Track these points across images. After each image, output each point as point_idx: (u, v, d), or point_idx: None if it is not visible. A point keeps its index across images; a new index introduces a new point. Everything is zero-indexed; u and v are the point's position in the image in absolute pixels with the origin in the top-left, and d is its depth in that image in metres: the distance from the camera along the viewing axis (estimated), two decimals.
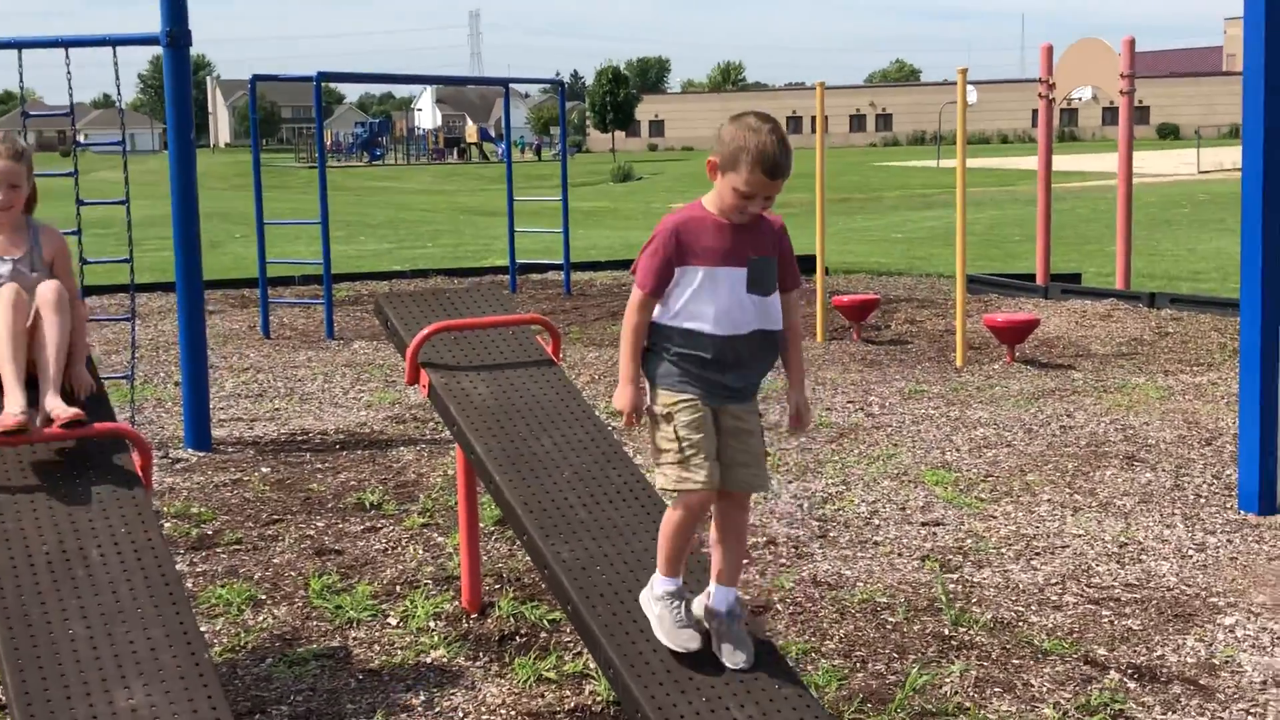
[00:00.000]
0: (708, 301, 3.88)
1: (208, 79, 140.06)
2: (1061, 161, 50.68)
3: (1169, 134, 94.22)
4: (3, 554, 3.98)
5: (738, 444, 3.95)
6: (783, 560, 5.94)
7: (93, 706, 3.51)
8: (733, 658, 3.89)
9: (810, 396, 9.28)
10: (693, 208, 4.01)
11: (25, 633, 3.72)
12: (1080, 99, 16.16)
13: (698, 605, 4.01)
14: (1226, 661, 4.78)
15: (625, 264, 18.05)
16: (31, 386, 4.51)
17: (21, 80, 8.08)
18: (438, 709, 4.51)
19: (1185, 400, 9.00)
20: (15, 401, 4.39)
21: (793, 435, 4.08)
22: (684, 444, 3.89)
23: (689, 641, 3.90)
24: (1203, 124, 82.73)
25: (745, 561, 5.31)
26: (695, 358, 3.90)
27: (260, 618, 5.36)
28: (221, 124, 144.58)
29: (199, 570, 5.90)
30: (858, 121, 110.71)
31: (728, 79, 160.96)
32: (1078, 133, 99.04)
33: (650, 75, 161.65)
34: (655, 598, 4.00)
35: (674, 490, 3.93)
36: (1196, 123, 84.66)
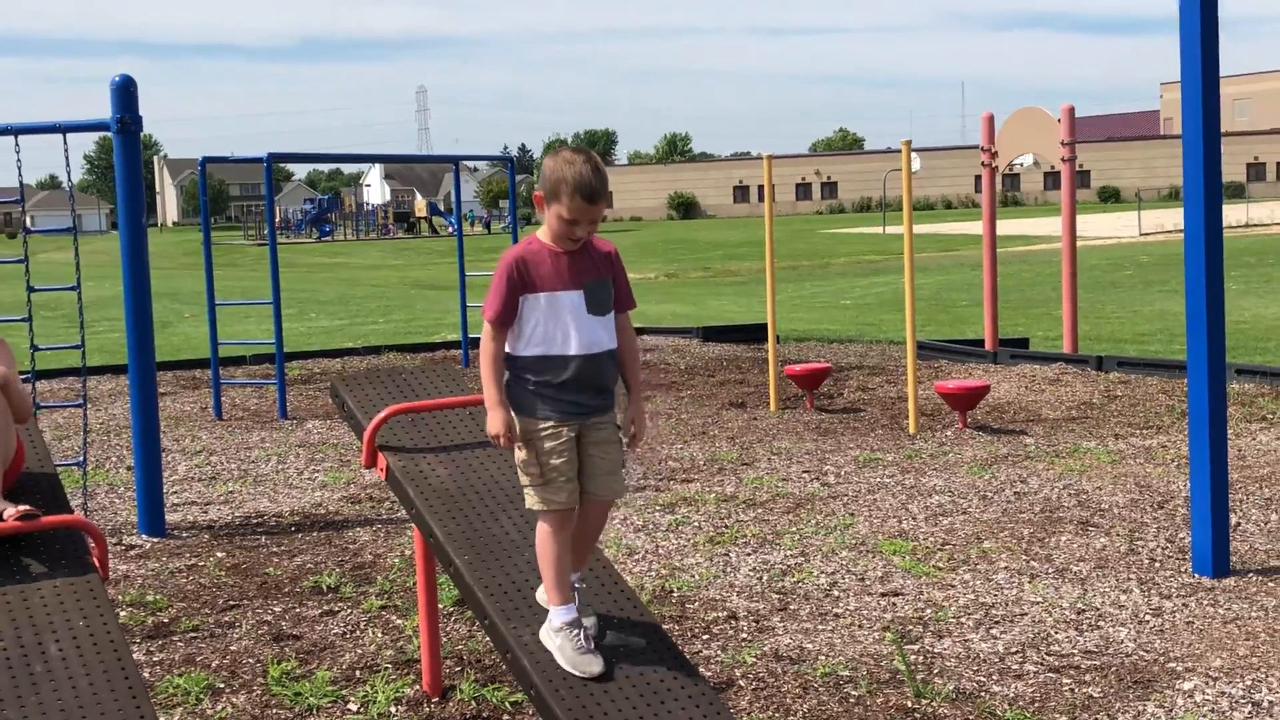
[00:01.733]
0: (554, 325, 4.20)
1: (154, 158, 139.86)
2: (1005, 226, 51.22)
3: (1110, 197, 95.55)
4: None
5: (599, 454, 4.29)
6: (744, 635, 5.91)
7: None
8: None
9: (766, 466, 9.34)
10: (529, 241, 4.33)
11: None
12: (1022, 165, 16.34)
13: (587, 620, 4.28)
14: None
15: None
16: None
17: None
18: None
19: (1136, 464, 9.03)
20: None
21: (630, 448, 4.27)
22: (545, 468, 4.23)
23: (591, 665, 4.15)
24: (1143, 186, 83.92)
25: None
26: (551, 383, 4.21)
27: (219, 706, 5.27)
28: (169, 203, 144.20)
29: (155, 659, 5.81)
30: (803, 189, 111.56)
31: (674, 150, 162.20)
32: (1020, 197, 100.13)
33: (598, 147, 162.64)
34: (554, 630, 4.21)
35: (539, 509, 4.23)
36: (1137, 185, 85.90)
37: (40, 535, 4.44)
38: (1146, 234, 49.32)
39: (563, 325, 4.22)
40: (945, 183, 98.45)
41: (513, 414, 4.25)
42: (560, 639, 4.17)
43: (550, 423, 4.21)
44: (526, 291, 4.22)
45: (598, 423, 4.28)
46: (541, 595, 4.35)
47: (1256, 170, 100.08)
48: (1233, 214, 60.84)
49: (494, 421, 4.22)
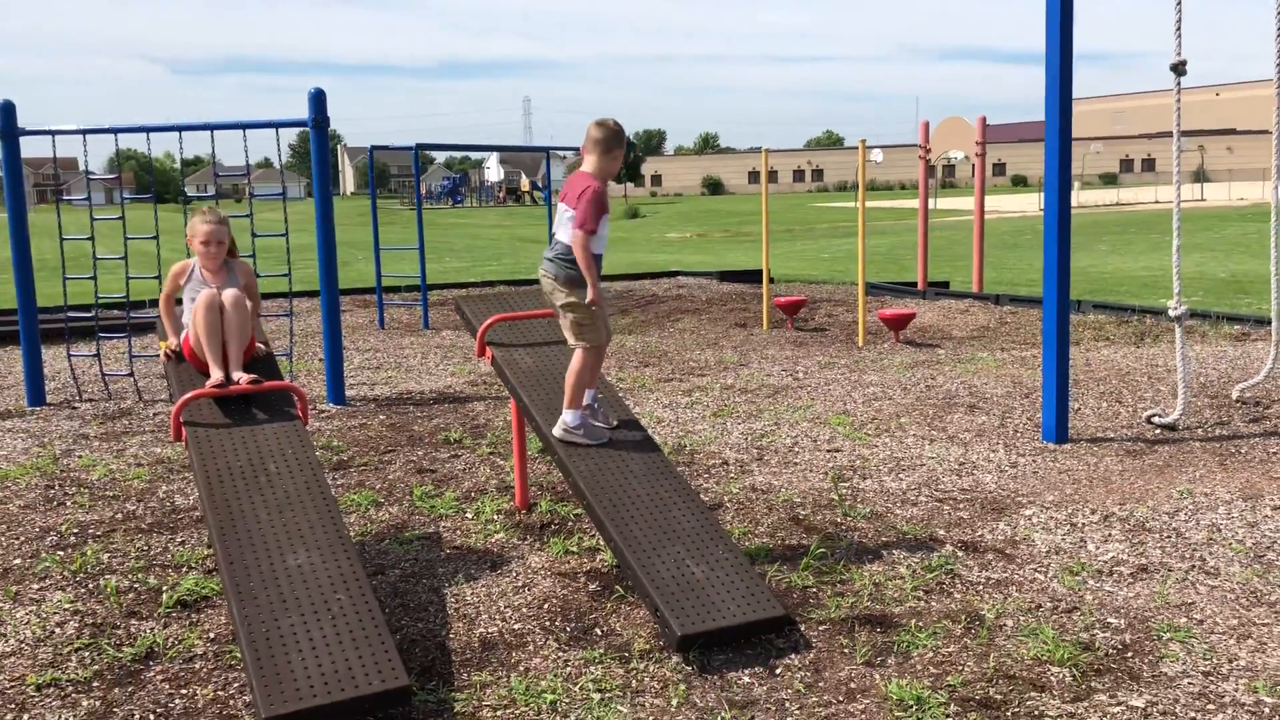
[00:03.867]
0: (605, 235, 4.62)
1: (338, 146, 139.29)
2: (943, 202, 50.59)
3: (1020, 183, 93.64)
4: (212, 466, 4.23)
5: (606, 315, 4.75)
6: (731, 474, 6.07)
7: (273, 564, 3.77)
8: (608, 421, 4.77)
9: (757, 366, 9.52)
10: (596, 179, 4.58)
11: (229, 517, 3.98)
12: (955, 158, 16.26)
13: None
14: (1025, 538, 4.92)
15: (633, 276, 18.16)
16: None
17: (214, 151, 8.31)
18: (499, 571, 4.68)
19: (1014, 368, 9.07)
20: (215, 368, 4.67)
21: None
22: (598, 318, 4.63)
23: (605, 434, 4.68)
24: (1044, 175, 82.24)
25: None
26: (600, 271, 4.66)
27: (380, 514, 5.52)
28: (348, 178, 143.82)
29: (339, 483, 6.06)
30: (799, 175, 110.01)
31: (707, 144, 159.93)
32: (956, 182, 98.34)
33: (652, 142, 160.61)
34: (574, 426, 4.62)
35: (590, 346, 4.63)
36: (1040, 174, 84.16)
37: (264, 395, 4.75)
38: (1043, 210, 48.49)
39: (605, 236, 4.62)
40: (901, 170, 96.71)
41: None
42: (583, 429, 4.64)
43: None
44: (604, 213, 4.54)
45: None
46: (559, 431, 4.66)
47: (1126, 164, 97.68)
48: (1107, 196, 59.75)
49: (598, 293, 4.57)
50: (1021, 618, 4.09)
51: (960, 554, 4.75)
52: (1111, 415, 7.26)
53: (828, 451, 6.53)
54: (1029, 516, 5.25)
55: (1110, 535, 4.95)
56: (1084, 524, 5.12)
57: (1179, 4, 6.44)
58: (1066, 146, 6.45)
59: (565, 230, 4.61)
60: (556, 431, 4.68)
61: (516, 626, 4.13)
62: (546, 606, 4.31)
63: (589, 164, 4.65)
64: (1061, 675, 3.64)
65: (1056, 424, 6.57)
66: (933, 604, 4.23)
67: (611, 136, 4.60)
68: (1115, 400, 7.69)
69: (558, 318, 4.77)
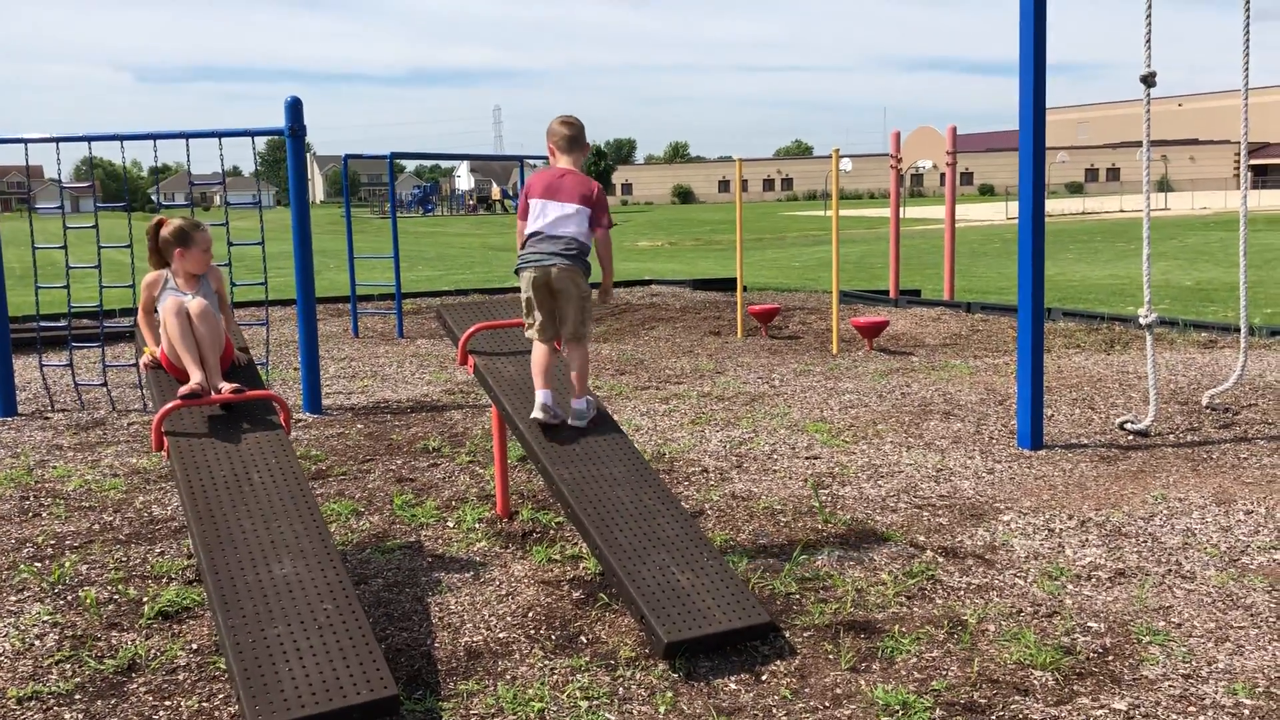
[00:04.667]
0: None
1: (309, 155, 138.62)
2: (911, 211, 50.94)
3: (987, 191, 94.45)
4: (195, 478, 4.20)
5: None
6: (711, 482, 6.09)
7: (259, 574, 3.75)
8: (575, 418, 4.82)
9: (733, 374, 9.55)
10: (586, 176, 4.80)
11: (213, 527, 3.95)
12: (924, 167, 16.37)
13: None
14: (1003, 544, 4.95)
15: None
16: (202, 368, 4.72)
17: (189, 159, 8.25)
18: (482, 580, 4.67)
19: (987, 375, 9.16)
20: (194, 376, 4.63)
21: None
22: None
23: (542, 414, 4.72)
24: (1010, 184, 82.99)
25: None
26: None
27: (360, 523, 5.49)
28: (318, 187, 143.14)
29: (318, 492, 6.01)
30: (768, 184, 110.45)
31: (677, 153, 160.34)
32: (924, 191, 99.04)
33: (622, 151, 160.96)
34: (585, 411, 4.81)
35: (590, 333, 4.89)
36: (1007, 183, 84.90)
37: (246, 404, 4.72)
38: (1011, 218, 48.97)
39: None
40: (870, 180, 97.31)
41: None
42: (539, 410, 4.72)
43: None
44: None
45: None
46: (577, 412, 4.81)
47: (1091, 174, 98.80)
48: (1073, 205, 60.43)
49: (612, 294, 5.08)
50: (1003, 622, 4.12)
51: (941, 560, 4.78)
52: (1085, 422, 7.33)
53: (806, 459, 6.55)
54: (1007, 522, 5.29)
55: (1088, 540, 5.00)
56: (1061, 529, 5.16)
57: (1149, 17, 6.54)
58: (1040, 157, 6.51)
59: (569, 225, 4.70)
60: (575, 421, 4.79)
61: (501, 635, 4.12)
62: (531, 615, 4.30)
63: (569, 160, 4.77)
64: (1044, 679, 3.67)
65: (1031, 430, 6.62)
66: (915, 609, 4.26)
67: (581, 131, 4.82)
68: (1088, 407, 7.77)
69: (563, 309, 4.77)
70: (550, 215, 4.69)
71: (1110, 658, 3.82)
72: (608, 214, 4.77)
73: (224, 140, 8.14)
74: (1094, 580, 4.53)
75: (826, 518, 5.38)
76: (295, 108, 7.82)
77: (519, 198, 5.00)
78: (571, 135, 4.77)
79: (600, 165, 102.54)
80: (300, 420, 7.95)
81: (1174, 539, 4.99)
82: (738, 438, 7.10)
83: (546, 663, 3.88)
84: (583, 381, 4.84)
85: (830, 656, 3.88)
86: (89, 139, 8.27)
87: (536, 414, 4.75)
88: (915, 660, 3.83)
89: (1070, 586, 4.46)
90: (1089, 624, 4.09)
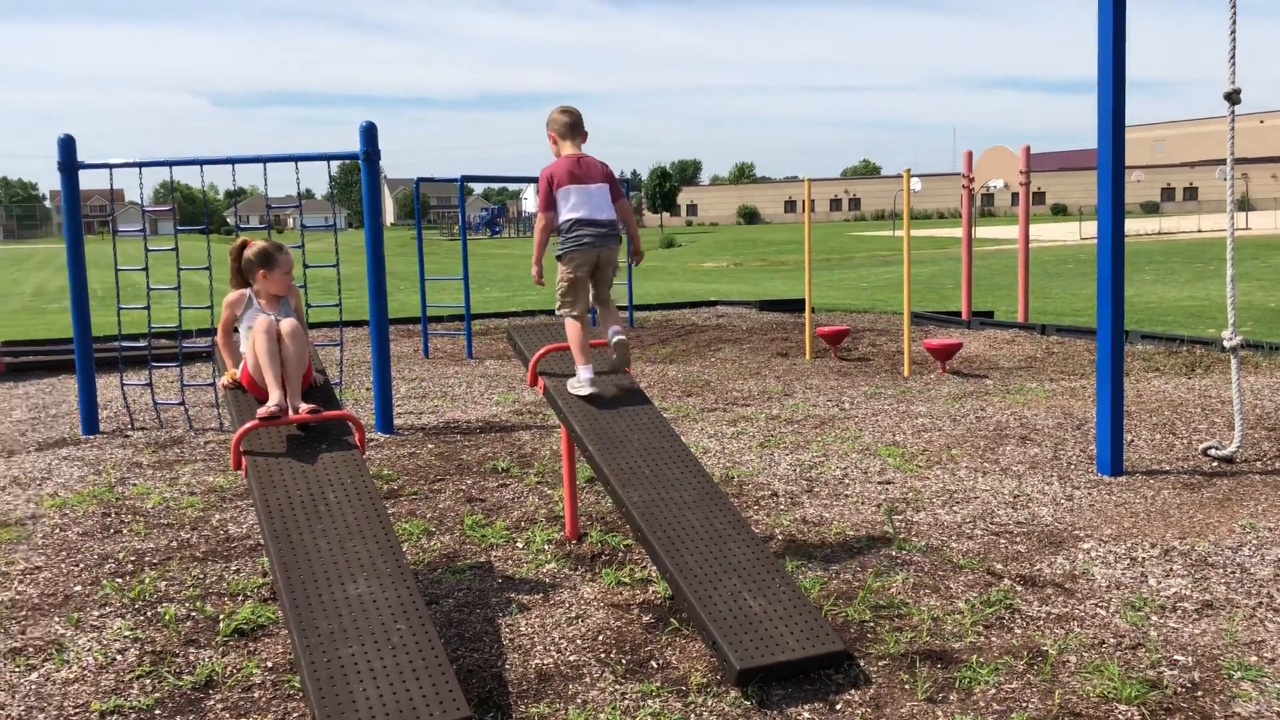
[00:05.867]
0: None
1: (380, 178, 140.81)
2: (982, 231, 50.34)
3: (1060, 211, 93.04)
4: (272, 497, 4.26)
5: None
6: (782, 507, 6.04)
7: (334, 594, 3.78)
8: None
9: (801, 396, 9.48)
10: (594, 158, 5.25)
11: (289, 547, 4.00)
12: (996, 187, 16.18)
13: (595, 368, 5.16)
14: (1084, 573, 4.84)
15: (671, 306, 18.19)
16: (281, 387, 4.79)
17: (266, 182, 8.42)
18: (552, 601, 4.66)
19: (1064, 399, 9.00)
20: (274, 396, 4.69)
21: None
22: None
23: (592, 390, 5.04)
24: (1084, 204, 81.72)
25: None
26: None
27: (431, 543, 5.52)
28: (388, 209, 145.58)
29: (391, 511, 6.04)
30: (835, 204, 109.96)
31: (742, 174, 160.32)
32: (994, 210, 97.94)
33: (687, 172, 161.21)
34: (584, 380, 5.07)
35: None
36: (1080, 203, 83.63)
37: (323, 423, 4.77)
38: (1085, 238, 48.17)
39: None
40: (938, 200, 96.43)
41: None
42: (587, 385, 5.04)
43: None
44: None
45: None
46: (574, 385, 5.10)
47: (1168, 193, 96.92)
48: (1149, 225, 59.22)
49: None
50: (1085, 654, 4.01)
51: (1019, 588, 4.68)
52: (1166, 447, 7.15)
53: (879, 483, 6.47)
54: (1087, 550, 5.17)
55: (1172, 570, 4.86)
56: (1144, 558, 5.03)
57: (1233, 33, 6.39)
58: (1120, 177, 6.39)
59: (604, 206, 5.12)
60: (580, 390, 5.10)
61: (572, 658, 4.11)
62: (601, 638, 4.28)
63: (573, 145, 5.20)
64: (1130, 714, 3.56)
65: (1111, 456, 6.48)
66: (993, 639, 4.17)
67: (580, 118, 5.21)
68: (1169, 432, 7.58)
69: (599, 281, 5.25)
70: (591, 199, 5.07)
71: (1200, 693, 3.70)
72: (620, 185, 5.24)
73: (290, 163, 8.29)
74: (1180, 612, 4.39)
75: (900, 544, 5.30)
76: (370, 132, 7.94)
77: (539, 188, 5.29)
78: (572, 121, 5.19)
79: (665, 186, 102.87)
80: (372, 440, 8.03)
81: (1264, 570, 4.83)
82: (808, 461, 7.04)
83: (617, 687, 3.86)
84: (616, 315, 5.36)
85: (906, 686, 3.81)
86: (170, 163, 8.48)
87: (585, 389, 5.03)
88: (994, 691, 3.74)
89: (1155, 618, 4.33)
90: (1175, 657, 3.97)
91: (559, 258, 5.21)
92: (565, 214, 5.09)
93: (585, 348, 5.10)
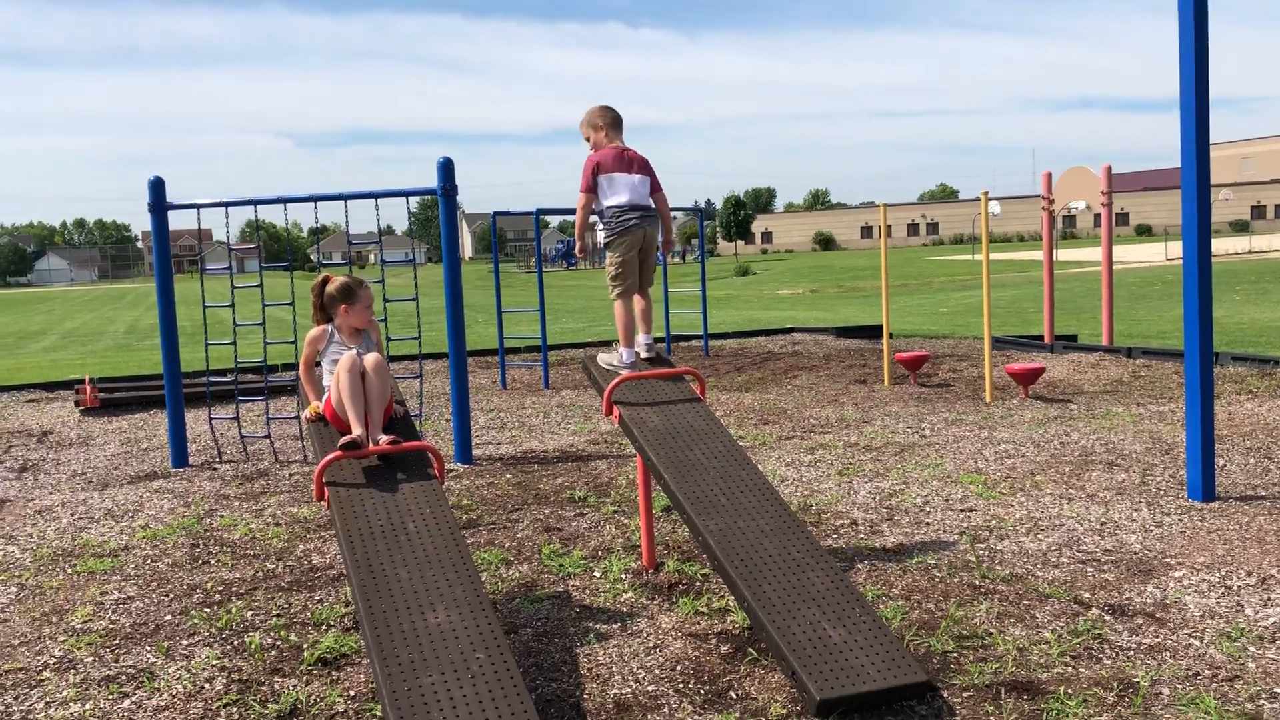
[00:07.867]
0: None
1: (458, 212, 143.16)
2: (1063, 254, 49.43)
3: (1144, 232, 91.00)
4: (353, 527, 4.33)
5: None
6: (861, 535, 5.97)
7: (414, 623, 3.82)
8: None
9: (880, 423, 9.37)
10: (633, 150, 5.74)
11: (370, 576, 4.05)
12: (1077, 208, 15.89)
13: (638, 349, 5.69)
14: (1175, 601, 4.71)
15: (747, 334, 18.13)
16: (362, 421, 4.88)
17: (347, 219, 8.60)
18: (630, 631, 4.65)
19: (1151, 423, 8.80)
20: (356, 428, 4.78)
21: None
22: None
23: (627, 368, 5.50)
24: (1169, 224, 79.79)
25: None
26: None
27: (510, 572, 5.55)
28: (466, 243, 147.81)
29: (469, 540, 6.08)
30: (913, 228, 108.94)
31: (817, 200, 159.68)
32: (1076, 232, 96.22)
33: (761, 199, 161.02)
34: (627, 361, 5.57)
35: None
36: (1165, 223, 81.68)
37: (402, 454, 4.85)
38: (1170, 259, 47.00)
39: None
40: (1018, 222, 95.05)
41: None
42: (625, 367, 5.50)
43: None
44: None
45: None
46: (615, 354, 5.61)
47: (1258, 210, 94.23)
48: (1239, 244, 57.59)
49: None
50: (1179, 686, 3.89)
51: (1108, 618, 4.56)
52: (1261, 472, 6.93)
53: (961, 511, 6.36)
54: (1179, 578, 5.02)
55: (1270, 599, 4.70)
56: (1240, 586, 4.87)
57: None
58: (1205, 195, 6.24)
59: (645, 193, 5.55)
60: (617, 367, 5.58)
61: (650, 688, 4.10)
62: (679, 668, 4.26)
63: (618, 137, 5.59)
64: None
65: (1203, 481, 6.31)
66: (1081, 670, 4.06)
67: (619, 116, 5.62)
68: (1264, 456, 7.34)
69: (645, 263, 5.65)
70: (634, 188, 5.48)
71: None
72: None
73: (370, 200, 8.44)
74: (1279, 643, 4.24)
75: (984, 573, 5.20)
76: (448, 168, 8.08)
77: (583, 172, 5.64)
78: (615, 117, 5.65)
79: (739, 214, 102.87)
80: (452, 470, 8.11)
81: None
82: (888, 489, 6.95)
83: (696, 718, 3.83)
84: (650, 321, 5.74)
85: (991, 718, 3.72)
86: (254, 202, 8.71)
87: (623, 369, 5.49)
88: None
89: (1252, 649, 4.19)
90: (1275, 690, 3.83)
91: (606, 246, 5.61)
92: (610, 200, 5.53)
93: (632, 330, 5.59)
